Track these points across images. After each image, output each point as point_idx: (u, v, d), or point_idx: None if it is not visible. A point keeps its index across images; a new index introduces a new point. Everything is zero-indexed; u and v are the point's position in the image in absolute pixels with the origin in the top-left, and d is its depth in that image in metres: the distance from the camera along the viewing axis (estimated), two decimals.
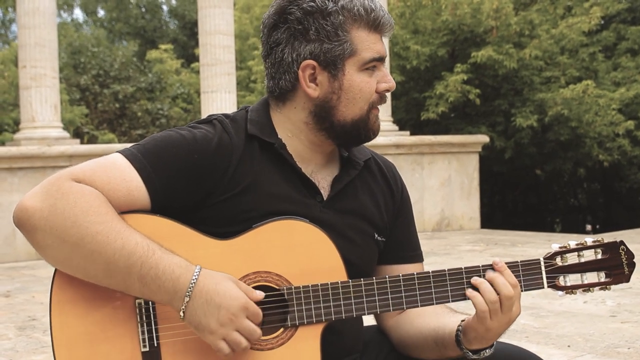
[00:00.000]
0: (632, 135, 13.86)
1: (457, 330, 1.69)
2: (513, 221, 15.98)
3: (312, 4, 1.68)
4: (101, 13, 32.54)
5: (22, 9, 9.54)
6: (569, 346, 4.22)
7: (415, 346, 1.80)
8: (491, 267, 1.67)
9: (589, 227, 19.56)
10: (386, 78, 1.74)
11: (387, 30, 1.74)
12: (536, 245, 9.12)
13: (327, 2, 1.68)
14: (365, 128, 1.74)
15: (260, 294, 1.57)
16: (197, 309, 1.52)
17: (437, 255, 8.28)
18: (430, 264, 7.34)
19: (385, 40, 1.81)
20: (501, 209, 17.74)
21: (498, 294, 1.63)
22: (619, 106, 13.52)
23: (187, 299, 1.52)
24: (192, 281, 1.52)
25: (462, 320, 1.70)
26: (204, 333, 1.53)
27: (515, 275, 1.66)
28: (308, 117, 1.74)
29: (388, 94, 1.86)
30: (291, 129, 1.76)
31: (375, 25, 1.71)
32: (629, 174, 15.40)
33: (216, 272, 1.55)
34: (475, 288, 1.65)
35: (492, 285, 1.64)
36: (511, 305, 1.64)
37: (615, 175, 16.26)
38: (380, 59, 1.73)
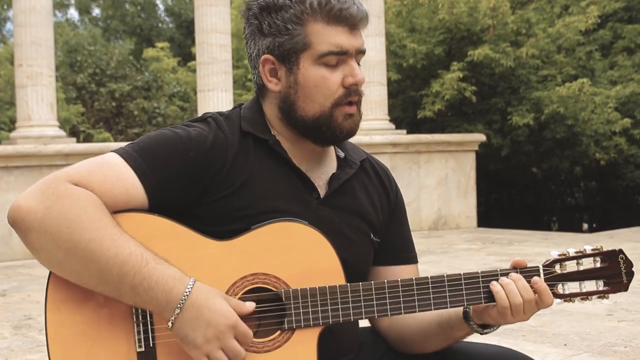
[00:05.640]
0: (628, 134, 13.87)
1: (465, 308, 1.69)
2: (510, 220, 15.97)
3: None
4: (96, 12, 32.52)
5: (18, 7, 9.51)
6: (565, 345, 4.21)
7: (418, 335, 1.79)
8: (496, 277, 1.66)
9: (585, 226, 19.55)
10: (353, 72, 1.66)
11: (354, 21, 1.66)
12: (533, 244, 9.13)
13: None
14: (329, 126, 1.68)
15: (251, 305, 1.55)
16: (186, 322, 1.50)
17: (434, 254, 8.28)
18: (427, 262, 7.34)
19: (360, 33, 1.70)
20: (498, 207, 17.73)
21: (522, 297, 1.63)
22: (616, 104, 13.54)
23: (177, 310, 1.50)
24: (185, 293, 1.50)
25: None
26: (189, 347, 1.52)
27: None
28: (279, 113, 1.73)
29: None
30: (275, 125, 1.75)
31: (333, 17, 1.64)
32: (625, 172, 15.39)
33: (209, 287, 1.54)
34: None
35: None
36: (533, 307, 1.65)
37: (612, 174, 16.24)
38: (341, 53, 1.65)
